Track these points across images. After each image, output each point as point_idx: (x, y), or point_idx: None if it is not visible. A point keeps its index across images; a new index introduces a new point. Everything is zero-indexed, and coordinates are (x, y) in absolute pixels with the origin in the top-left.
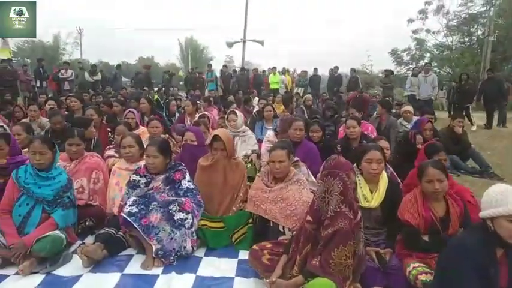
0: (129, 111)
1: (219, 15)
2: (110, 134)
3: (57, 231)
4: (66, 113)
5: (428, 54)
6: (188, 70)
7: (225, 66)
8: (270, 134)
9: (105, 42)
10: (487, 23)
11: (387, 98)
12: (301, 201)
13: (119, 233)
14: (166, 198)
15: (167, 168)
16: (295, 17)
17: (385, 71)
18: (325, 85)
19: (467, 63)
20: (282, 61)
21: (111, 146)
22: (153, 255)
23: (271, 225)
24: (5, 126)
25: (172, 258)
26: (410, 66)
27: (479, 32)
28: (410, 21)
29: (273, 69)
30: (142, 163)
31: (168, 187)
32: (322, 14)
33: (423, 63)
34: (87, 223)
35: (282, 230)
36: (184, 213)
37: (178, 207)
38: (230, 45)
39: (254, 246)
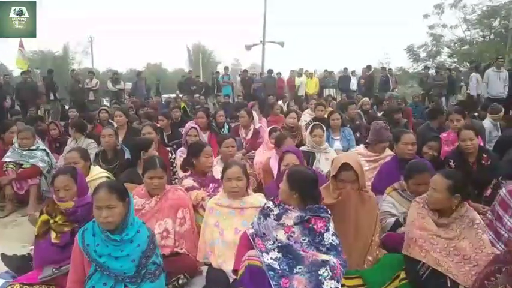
0: (192, 127)
1: (225, 20)
2: (170, 155)
3: None
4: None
5: (446, 49)
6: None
7: (245, 70)
8: (359, 147)
9: (113, 51)
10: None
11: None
12: (483, 254)
13: None
14: (314, 258)
15: (305, 208)
16: (306, 17)
17: (437, 67)
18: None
19: (492, 57)
20: (287, 63)
21: (187, 174)
22: None
23: (449, 284)
24: (47, 149)
25: None
26: (428, 62)
27: (497, 24)
28: (426, 16)
29: (300, 71)
30: (248, 199)
31: (306, 239)
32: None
33: (440, 59)
34: (180, 281)
35: None
36: (335, 282)
37: (330, 273)
38: (248, 48)
39: None
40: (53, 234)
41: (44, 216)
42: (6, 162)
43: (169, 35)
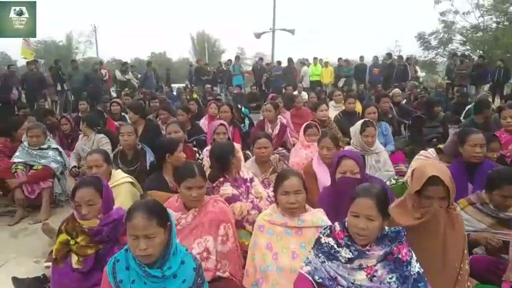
0: (221, 124)
1: (229, 7)
2: (197, 155)
3: None
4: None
5: (458, 37)
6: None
7: (261, 59)
8: (429, 152)
9: (116, 40)
10: None
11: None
12: None
13: None
14: None
15: (381, 235)
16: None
17: (461, 55)
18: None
19: (508, 44)
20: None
21: (221, 179)
22: None
23: None
24: (59, 148)
25: None
26: (439, 50)
27: None
28: (437, 2)
29: (314, 60)
30: (307, 216)
31: (393, 277)
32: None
33: (452, 47)
34: None
35: None
36: None
37: None
38: (258, 36)
39: None
40: (74, 258)
41: (63, 236)
42: (15, 163)
43: (171, 23)
